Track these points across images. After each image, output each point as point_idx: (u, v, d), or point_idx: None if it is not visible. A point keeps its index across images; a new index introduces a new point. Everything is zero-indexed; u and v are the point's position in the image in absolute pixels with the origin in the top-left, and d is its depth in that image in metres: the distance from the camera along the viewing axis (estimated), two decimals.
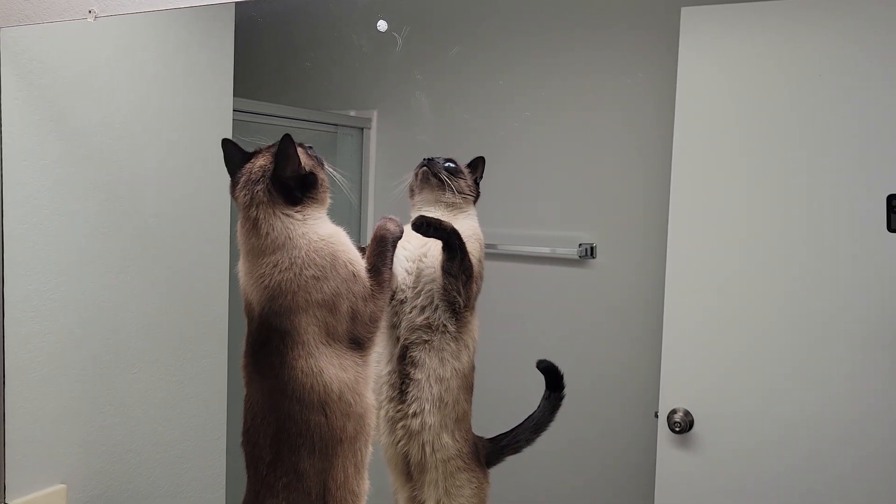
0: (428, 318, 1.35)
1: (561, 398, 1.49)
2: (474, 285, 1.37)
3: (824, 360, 1.35)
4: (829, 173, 1.35)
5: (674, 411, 1.47)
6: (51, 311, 1.76)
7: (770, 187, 1.40)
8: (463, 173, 1.46)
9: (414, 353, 1.35)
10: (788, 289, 1.38)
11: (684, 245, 1.47)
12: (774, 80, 1.39)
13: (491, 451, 1.48)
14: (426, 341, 1.35)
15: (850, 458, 1.33)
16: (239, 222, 1.16)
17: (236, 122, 1.84)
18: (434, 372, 1.35)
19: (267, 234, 1.12)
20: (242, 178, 1.15)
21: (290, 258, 1.11)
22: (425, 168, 1.42)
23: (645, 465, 1.57)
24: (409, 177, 1.44)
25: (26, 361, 1.76)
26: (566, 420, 1.61)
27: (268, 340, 1.12)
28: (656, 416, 1.53)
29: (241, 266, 1.17)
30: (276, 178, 1.14)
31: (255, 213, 1.13)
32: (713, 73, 1.44)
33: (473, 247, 1.38)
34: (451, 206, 1.42)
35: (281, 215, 1.13)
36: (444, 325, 1.36)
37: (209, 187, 1.87)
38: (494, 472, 1.45)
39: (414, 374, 1.35)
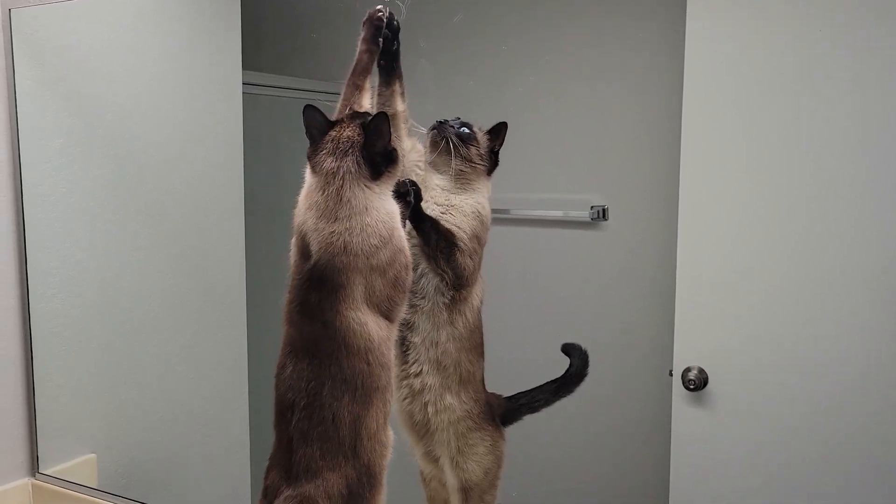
0: (414, 281, 1.35)
1: (585, 375, 1.51)
2: (463, 259, 1.36)
3: (839, 316, 1.35)
4: (842, 130, 1.33)
5: (688, 369, 1.48)
6: (73, 287, 1.80)
7: (781, 144, 1.39)
8: (476, 141, 1.41)
9: (407, 315, 1.35)
10: (801, 246, 1.37)
11: (696, 204, 1.46)
12: (786, 36, 1.36)
13: (508, 409, 1.50)
14: (415, 305, 1.36)
15: (866, 412, 1.33)
16: (315, 181, 1.22)
17: (246, 96, 1.85)
18: (428, 335, 1.37)
19: (349, 200, 1.20)
20: (329, 146, 1.22)
21: (361, 225, 1.19)
22: (435, 130, 1.40)
23: (660, 423, 1.58)
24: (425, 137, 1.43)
25: (52, 336, 1.80)
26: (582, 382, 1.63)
27: (321, 286, 1.18)
28: (671, 374, 1.54)
29: (305, 212, 1.22)
30: (366, 152, 1.21)
31: (340, 181, 1.20)
32: (723, 31, 1.42)
33: (469, 223, 1.37)
34: (459, 174, 1.40)
35: (364, 187, 1.21)
36: (434, 294, 1.37)
37: (221, 160, 1.89)
38: (508, 430, 1.47)
39: (410, 336, 1.37)
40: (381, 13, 1.35)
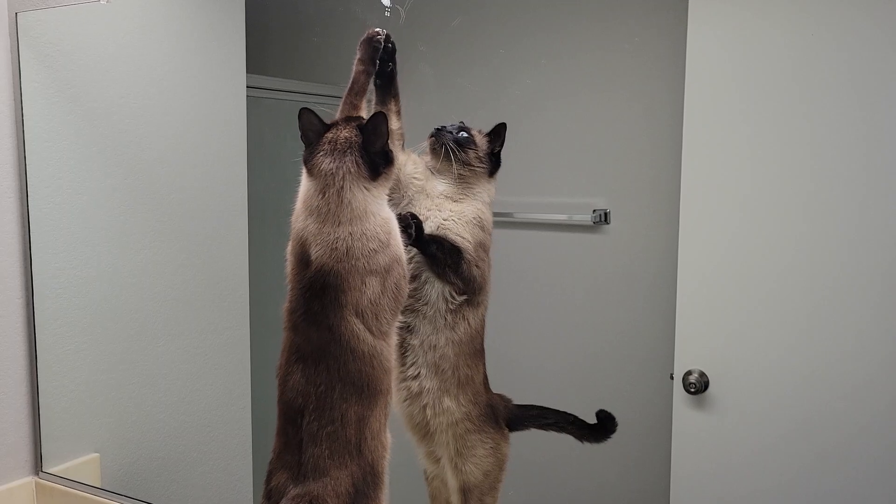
0: (416, 288, 1.36)
1: (600, 440, 1.52)
2: (470, 269, 1.36)
3: (840, 319, 1.34)
4: (844, 134, 1.33)
5: (689, 373, 1.48)
6: (77, 287, 1.81)
7: (783, 148, 1.39)
8: (475, 144, 1.43)
9: (407, 319, 1.36)
10: (803, 250, 1.37)
11: (697, 208, 1.46)
12: (787, 40, 1.36)
13: (516, 416, 1.49)
14: (416, 310, 1.36)
15: (868, 415, 1.32)
16: (313, 185, 1.22)
17: (249, 98, 1.86)
18: (427, 339, 1.37)
19: (349, 202, 1.20)
20: (326, 147, 1.22)
21: (362, 230, 1.20)
22: (433, 138, 1.42)
23: (661, 426, 1.58)
24: (424, 144, 1.45)
25: (56, 337, 1.82)
26: (582, 384, 1.62)
27: (324, 293, 1.19)
28: (671, 377, 1.54)
29: (305, 219, 1.22)
30: (365, 152, 1.22)
31: (341, 182, 1.20)
32: (724, 34, 1.42)
33: (471, 231, 1.38)
34: (460, 178, 1.41)
35: (363, 188, 1.21)
36: (436, 300, 1.37)
37: (225, 162, 1.90)
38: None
39: (409, 339, 1.37)
40: (379, 35, 1.35)
